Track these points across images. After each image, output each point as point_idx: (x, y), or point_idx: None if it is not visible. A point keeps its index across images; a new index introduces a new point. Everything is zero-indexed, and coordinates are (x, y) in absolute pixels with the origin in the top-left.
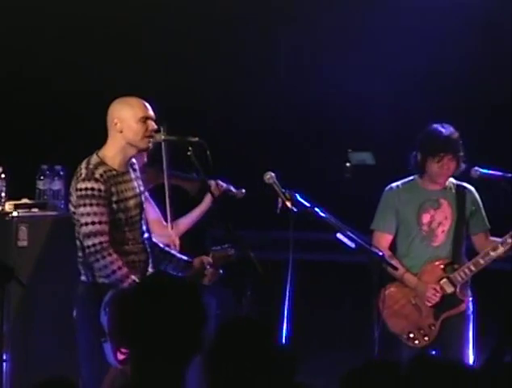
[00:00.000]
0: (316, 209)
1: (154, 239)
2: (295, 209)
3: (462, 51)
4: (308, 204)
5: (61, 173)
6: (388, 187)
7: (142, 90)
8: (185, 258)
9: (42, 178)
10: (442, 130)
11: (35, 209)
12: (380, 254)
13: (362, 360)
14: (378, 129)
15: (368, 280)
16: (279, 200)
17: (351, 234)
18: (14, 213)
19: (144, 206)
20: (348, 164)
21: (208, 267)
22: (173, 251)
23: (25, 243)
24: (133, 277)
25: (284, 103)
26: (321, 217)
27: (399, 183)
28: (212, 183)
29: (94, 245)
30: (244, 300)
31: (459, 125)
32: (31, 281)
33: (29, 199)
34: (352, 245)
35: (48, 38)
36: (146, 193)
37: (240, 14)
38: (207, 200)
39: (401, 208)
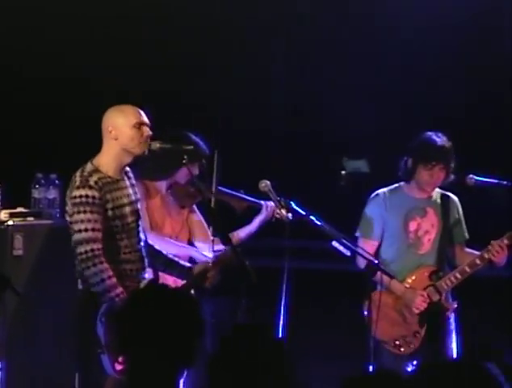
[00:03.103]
0: (312, 217)
1: (157, 247)
2: (290, 217)
3: (458, 56)
4: (303, 212)
5: (57, 181)
6: (374, 193)
7: (142, 90)
8: (188, 265)
9: (37, 186)
10: (437, 139)
11: (31, 218)
12: (376, 261)
13: (357, 368)
14: (372, 137)
15: (363, 287)
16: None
17: (346, 242)
18: (10, 222)
19: (190, 218)
20: (343, 172)
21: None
22: (176, 259)
23: (20, 252)
24: (121, 289)
25: (279, 112)
26: (317, 224)
27: (385, 189)
28: (268, 206)
29: (86, 252)
30: (238, 308)
31: (454, 134)
32: (27, 290)
33: (24, 208)
34: (347, 253)
35: (48, 38)
36: (194, 206)
37: (239, 15)
38: (261, 219)
39: (388, 215)
